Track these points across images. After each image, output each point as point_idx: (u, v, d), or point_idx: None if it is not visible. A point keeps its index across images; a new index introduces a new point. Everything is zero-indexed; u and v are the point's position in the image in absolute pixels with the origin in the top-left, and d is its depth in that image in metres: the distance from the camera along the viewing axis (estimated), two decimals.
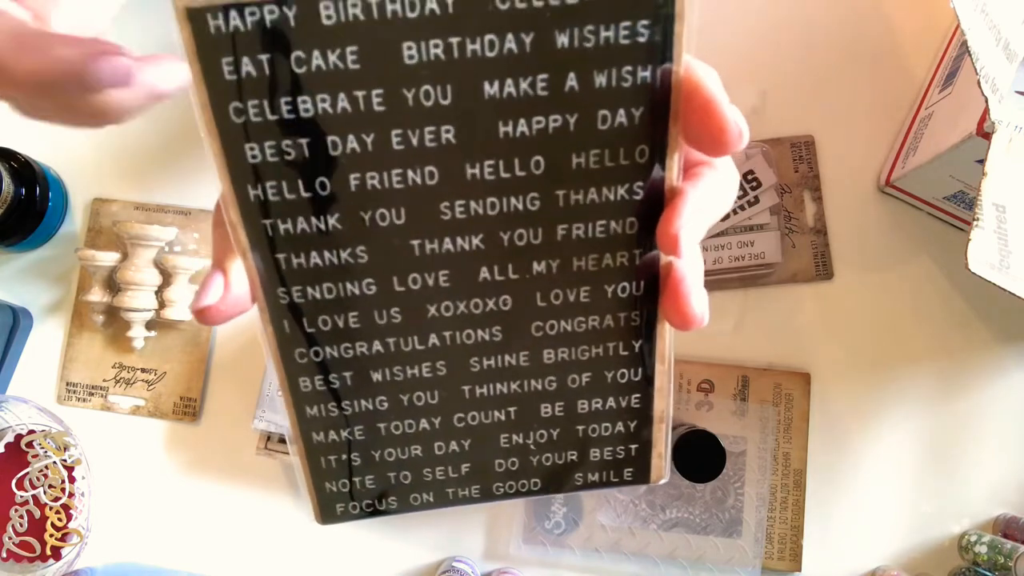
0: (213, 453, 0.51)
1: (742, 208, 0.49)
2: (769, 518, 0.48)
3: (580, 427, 0.23)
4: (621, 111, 0.18)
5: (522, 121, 0.18)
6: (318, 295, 0.20)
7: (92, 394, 0.51)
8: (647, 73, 0.18)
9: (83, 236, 0.52)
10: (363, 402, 0.22)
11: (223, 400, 0.51)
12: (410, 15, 0.17)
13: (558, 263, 0.20)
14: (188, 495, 0.50)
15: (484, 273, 0.20)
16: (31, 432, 0.48)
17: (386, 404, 0.22)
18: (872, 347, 0.50)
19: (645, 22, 0.17)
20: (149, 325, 0.51)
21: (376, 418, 0.22)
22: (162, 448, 0.51)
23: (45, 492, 0.47)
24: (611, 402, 0.22)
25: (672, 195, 0.19)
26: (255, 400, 0.48)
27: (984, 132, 0.37)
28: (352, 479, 0.23)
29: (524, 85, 0.18)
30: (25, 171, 0.49)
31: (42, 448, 0.47)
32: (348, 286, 0.20)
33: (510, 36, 0.17)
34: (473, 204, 0.19)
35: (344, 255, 0.19)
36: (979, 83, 0.36)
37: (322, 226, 0.19)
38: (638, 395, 0.22)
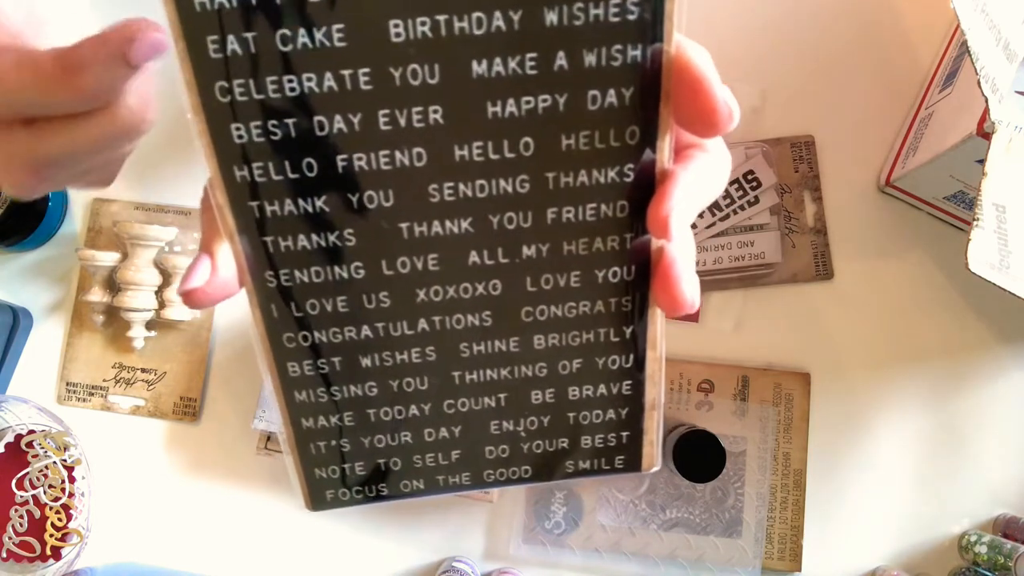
0: (213, 453, 0.51)
1: (742, 208, 0.49)
2: (769, 518, 0.48)
3: (571, 414, 0.22)
4: (611, 91, 0.18)
5: (511, 101, 0.18)
6: (306, 278, 0.20)
7: (92, 394, 0.51)
8: (637, 52, 0.17)
9: (83, 236, 0.52)
10: (353, 387, 0.21)
11: (223, 400, 0.51)
12: None
13: (548, 247, 0.20)
14: (188, 495, 0.50)
15: (474, 257, 0.20)
16: (31, 432, 0.48)
17: (376, 390, 0.22)
18: (872, 347, 0.50)
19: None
20: (149, 325, 0.51)
21: (366, 404, 0.22)
22: (162, 448, 0.51)
23: (45, 492, 0.47)
24: (602, 389, 0.22)
25: (663, 177, 0.19)
26: (255, 400, 0.48)
27: (984, 132, 0.37)
28: (342, 465, 0.23)
29: (513, 64, 0.17)
30: None
31: (42, 448, 0.47)
32: (336, 269, 0.20)
33: (498, 13, 0.17)
34: (462, 186, 0.19)
35: (332, 238, 0.19)
36: (979, 83, 0.36)
37: (309, 208, 0.19)
38: (629, 382, 0.22)
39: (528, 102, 0.18)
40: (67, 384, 0.51)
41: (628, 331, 0.21)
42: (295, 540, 0.50)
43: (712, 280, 0.50)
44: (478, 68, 0.17)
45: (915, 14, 0.51)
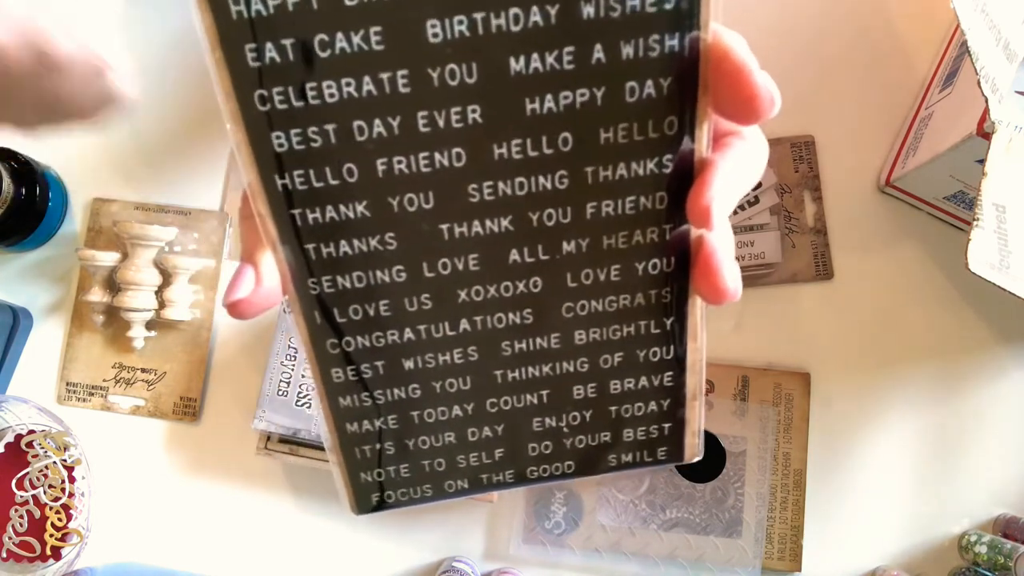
0: (213, 453, 0.51)
1: (742, 208, 0.49)
2: (769, 518, 0.48)
3: (613, 408, 0.22)
4: (649, 82, 0.18)
5: (549, 97, 0.18)
6: (348, 284, 0.20)
7: (92, 394, 0.51)
8: (675, 42, 0.17)
9: (83, 236, 0.52)
10: (396, 390, 0.21)
11: (223, 400, 0.51)
12: None
13: (588, 242, 0.20)
14: (188, 495, 0.50)
15: (514, 255, 0.20)
16: (31, 432, 0.48)
17: (419, 392, 0.22)
18: (872, 347, 0.50)
19: None
20: (149, 325, 0.51)
21: (409, 406, 0.22)
22: (162, 448, 0.51)
23: (45, 492, 0.47)
24: (643, 381, 0.22)
25: (702, 167, 0.19)
26: (255, 400, 0.47)
27: (984, 132, 0.37)
28: (387, 468, 0.23)
29: (550, 59, 0.17)
30: (25, 171, 0.49)
31: (42, 448, 0.47)
32: (378, 274, 0.20)
33: (535, 8, 0.17)
34: (501, 185, 0.19)
35: (373, 242, 0.19)
36: (979, 83, 0.36)
37: (350, 214, 0.19)
38: (670, 373, 0.22)
39: (566, 97, 0.18)
40: (67, 384, 0.51)
41: (668, 322, 0.21)
42: (295, 540, 0.50)
43: None
44: (516, 65, 0.17)
45: (915, 14, 0.51)
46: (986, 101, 0.36)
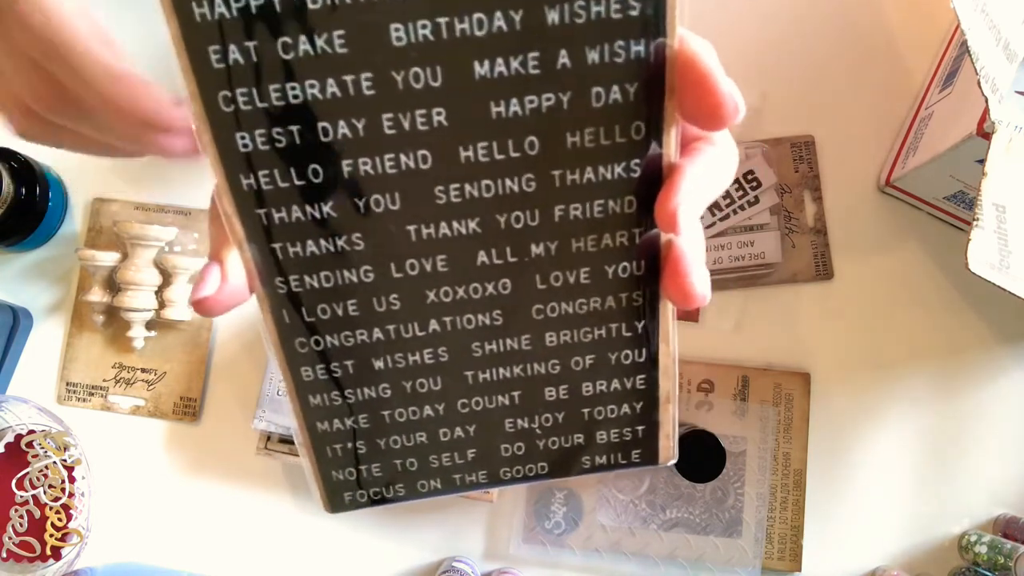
0: (213, 453, 0.51)
1: (742, 208, 0.49)
2: (769, 518, 0.48)
3: (585, 410, 0.22)
4: (615, 87, 0.18)
5: (514, 101, 0.18)
6: (316, 284, 0.20)
7: (92, 394, 0.51)
8: (640, 48, 0.17)
9: (83, 236, 0.52)
10: (366, 390, 0.22)
11: (223, 400, 0.51)
12: None
13: (557, 245, 0.20)
14: (188, 495, 0.50)
15: (482, 257, 0.20)
16: (31, 432, 0.48)
17: (389, 392, 0.22)
18: (872, 347, 0.50)
19: None
20: (149, 325, 0.51)
21: (380, 406, 0.22)
22: (162, 448, 0.51)
23: (45, 492, 0.47)
24: (616, 384, 0.22)
25: (670, 172, 0.19)
26: (255, 400, 0.47)
27: (984, 132, 0.37)
28: (359, 467, 0.23)
29: (515, 64, 0.17)
30: (25, 171, 0.49)
31: (42, 448, 0.47)
32: (346, 274, 0.20)
33: (499, 14, 0.17)
34: (468, 187, 0.19)
35: (340, 242, 0.19)
36: (979, 83, 0.36)
37: (317, 214, 0.19)
38: (643, 376, 0.22)
39: (532, 101, 0.18)
40: (67, 384, 0.51)
41: (640, 326, 0.21)
42: (295, 540, 0.50)
43: (712, 280, 0.49)
44: (480, 69, 0.17)
45: (915, 14, 0.51)
46: (986, 101, 0.36)
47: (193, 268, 0.51)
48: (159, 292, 0.50)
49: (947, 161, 0.42)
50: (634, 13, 0.17)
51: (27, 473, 0.47)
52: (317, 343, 0.21)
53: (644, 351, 0.22)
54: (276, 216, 0.19)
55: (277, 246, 0.19)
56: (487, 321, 0.21)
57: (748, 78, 0.51)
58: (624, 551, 0.48)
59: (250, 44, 0.17)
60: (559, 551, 0.48)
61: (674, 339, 0.22)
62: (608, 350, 0.22)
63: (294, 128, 0.18)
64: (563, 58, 0.17)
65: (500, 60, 0.17)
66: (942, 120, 0.44)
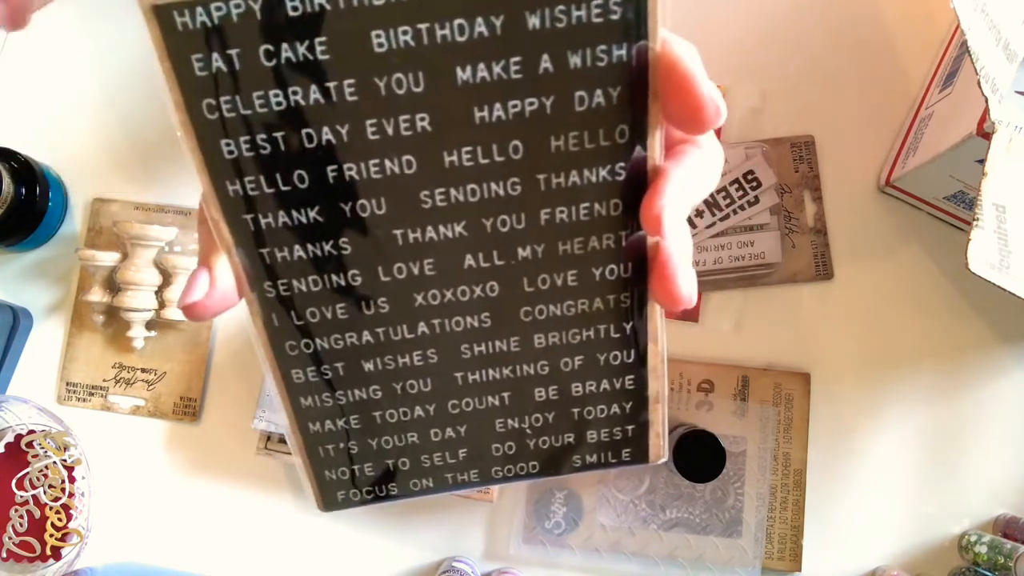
0: (213, 453, 0.51)
1: (742, 208, 0.49)
2: (769, 518, 0.48)
3: (575, 410, 0.23)
4: (598, 91, 0.18)
5: (497, 106, 0.18)
6: (304, 288, 0.20)
7: (92, 394, 0.51)
8: (622, 51, 0.18)
9: (83, 236, 0.52)
10: (357, 391, 0.22)
11: (223, 400, 0.51)
12: (376, 3, 0.17)
13: (543, 248, 0.20)
14: (188, 495, 0.50)
15: (469, 260, 0.20)
16: (31, 432, 0.48)
17: (380, 393, 0.22)
18: (872, 347, 0.50)
19: None
20: (149, 325, 0.51)
21: (371, 407, 0.22)
22: (162, 448, 0.51)
23: (45, 492, 0.47)
24: (605, 384, 0.22)
25: (655, 174, 0.19)
26: (255, 400, 0.48)
27: (984, 132, 0.37)
28: (351, 467, 0.23)
29: (497, 69, 0.17)
30: (25, 171, 0.49)
31: (42, 448, 0.47)
32: (334, 278, 0.20)
33: (480, 20, 0.17)
34: (453, 191, 0.19)
35: (328, 247, 0.19)
36: (979, 83, 0.36)
37: (303, 219, 0.19)
38: (632, 376, 0.22)
39: (515, 106, 0.18)
40: (67, 384, 0.51)
41: (628, 327, 0.21)
42: (295, 540, 0.50)
43: (712, 280, 0.50)
44: (463, 74, 0.17)
45: (915, 14, 0.51)
46: (986, 101, 0.36)
47: (193, 268, 0.51)
48: (159, 292, 0.50)
49: (947, 161, 0.42)
50: (615, 17, 0.17)
51: (27, 473, 0.47)
52: (307, 346, 0.21)
53: (632, 352, 0.22)
54: (263, 221, 0.19)
55: (265, 251, 0.19)
56: (475, 323, 0.21)
57: (748, 78, 0.51)
58: (624, 551, 0.48)
59: (232, 52, 0.17)
60: (559, 551, 0.48)
61: (662, 339, 0.22)
62: (597, 351, 0.22)
63: (278, 135, 0.18)
64: (545, 62, 0.17)
65: (482, 65, 0.17)
66: (942, 120, 0.44)
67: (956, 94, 0.44)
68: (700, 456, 0.44)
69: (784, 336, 0.50)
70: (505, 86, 0.18)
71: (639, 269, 0.21)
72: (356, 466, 0.23)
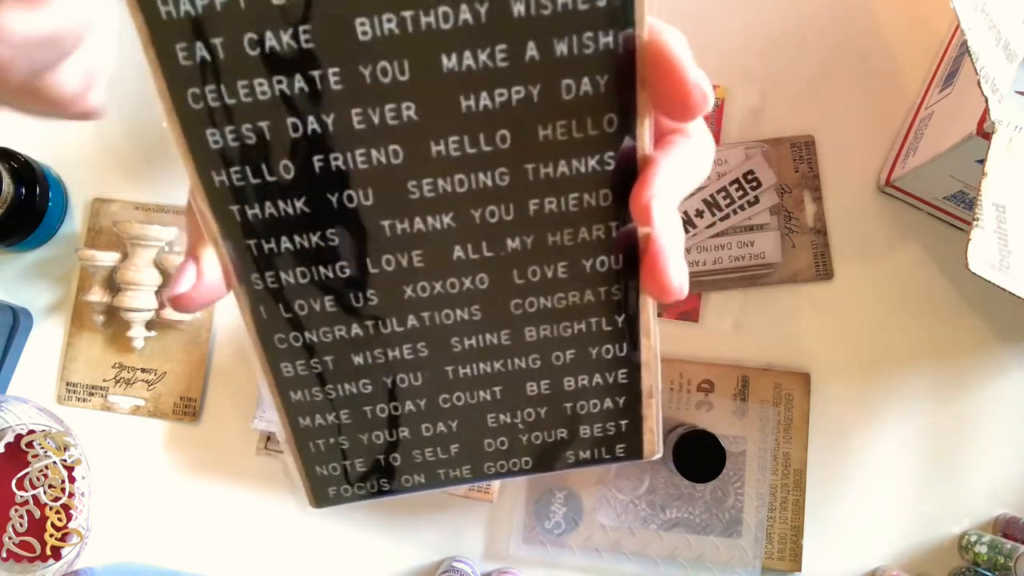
0: (213, 453, 0.51)
1: (742, 208, 0.49)
2: (769, 518, 0.48)
3: (568, 404, 0.22)
4: (585, 79, 0.18)
5: (484, 94, 0.18)
6: (292, 280, 0.20)
7: (92, 394, 0.51)
8: (609, 39, 0.17)
9: (83, 236, 0.52)
10: (347, 386, 0.22)
11: (223, 400, 0.51)
12: None
13: (532, 239, 0.20)
14: (188, 495, 0.50)
15: (458, 252, 0.20)
16: (31, 432, 0.48)
17: (370, 387, 0.22)
18: (872, 347, 0.50)
19: None
20: (149, 325, 0.51)
21: (361, 401, 0.22)
22: (162, 448, 0.51)
23: (45, 492, 0.47)
24: (597, 378, 0.22)
25: (644, 164, 0.19)
26: (255, 400, 0.48)
27: (984, 132, 0.37)
28: (342, 462, 0.23)
29: (483, 57, 0.17)
30: (25, 171, 0.49)
31: (42, 448, 0.47)
32: (322, 269, 0.20)
33: (464, 7, 0.17)
34: (441, 182, 0.19)
35: (315, 238, 0.19)
36: (979, 83, 0.36)
37: (290, 210, 0.19)
38: (624, 370, 0.22)
39: (501, 94, 0.18)
40: (67, 384, 0.51)
41: (620, 320, 0.21)
42: (295, 540, 0.50)
43: (712, 280, 0.50)
44: (448, 63, 0.17)
45: (915, 14, 0.51)
46: (986, 101, 0.36)
47: None
48: (159, 292, 0.50)
49: (947, 161, 0.42)
50: (601, 4, 0.17)
51: (27, 473, 0.47)
52: (296, 339, 0.21)
53: (625, 345, 0.22)
54: (249, 212, 0.19)
55: (251, 242, 0.19)
56: (465, 316, 0.21)
57: (748, 78, 0.51)
58: (624, 551, 0.48)
59: (217, 41, 0.17)
60: (559, 551, 0.48)
61: (655, 333, 0.22)
62: (589, 344, 0.21)
63: (263, 124, 0.18)
64: (531, 50, 0.17)
65: (468, 53, 0.17)
66: (942, 120, 0.44)
67: (956, 94, 0.44)
68: (700, 456, 0.44)
69: (784, 336, 0.50)
70: (491, 74, 0.17)
71: (630, 261, 0.20)
72: (347, 461, 0.23)
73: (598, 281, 0.20)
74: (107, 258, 0.49)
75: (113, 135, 0.52)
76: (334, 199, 0.19)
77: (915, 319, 0.50)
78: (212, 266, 0.20)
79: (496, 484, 0.47)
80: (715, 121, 0.51)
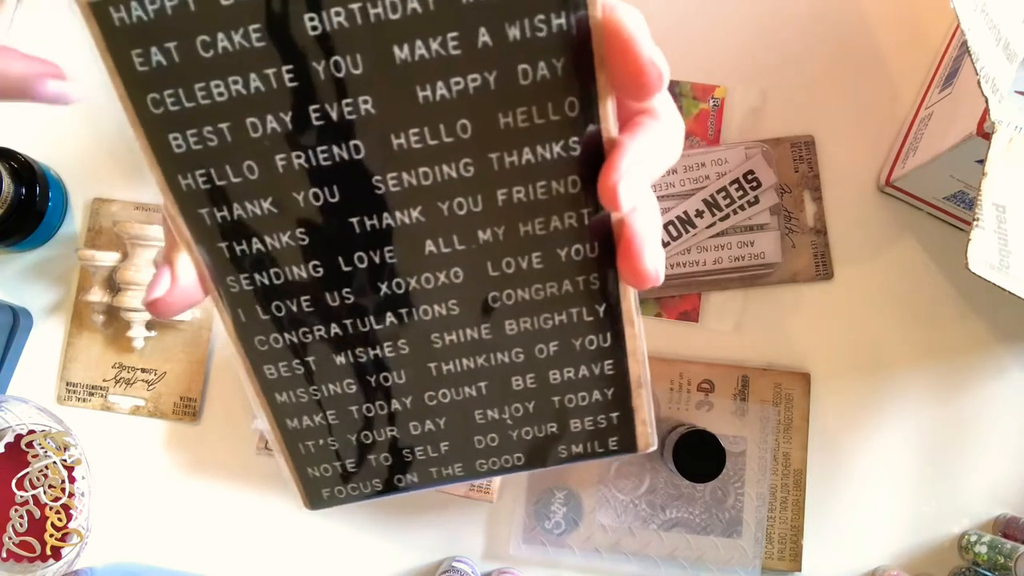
0: (213, 453, 0.51)
1: (742, 208, 0.49)
2: (769, 518, 0.48)
3: (556, 398, 0.22)
4: (541, 63, 0.17)
5: (440, 84, 0.18)
6: (267, 281, 0.20)
7: (92, 394, 0.51)
8: (562, 20, 0.17)
9: (83, 236, 0.52)
10: (331, 386, 0.21)
11: (223, 400, 0.51)
12: None
13: (504, 230, 0.19)
14: (188, 495, 0.50)
15: (430, 246, 0.20)
16: (31, 432, 0.48)
17: (355, 387, 0.21)
18: (872, 347, 0.50)
19: None
20: (149, 325, 0.51)
21: (347, 401, 0.22)
22: (162, 448, 0.51)
23: (45, 492, 0.47)
24: (583, 370, 0.22)
25: (610, 147, 0.19)
26: None
27: (984, 132, 0.37)
28: (334, 463, 0.23)
29: (435, 45, 0.17)
30: (25, 171, 0.49)
31: (42, 448, 0.47)
32: (295, 270, 0.20)
33: None
34: (406, 175, 0.19)
35: (285, 238, 0.19)
36: (979, 83, 0.36)
37: (258, 211, 0.19)
38: (611, 361, 0.21)
39: (458, 83, 0.18)
40: (67, 384, 0.51)
41: (601, 309, 0.21)
42: (295, 540, 0.50)
43: (712, 280, 0.50)
44: (400, 53, 0.17)
45: (915, 14, 0.51)
46: (986, 101, 0.36)
47: None
48: None
49: (947, 161, 0.42)
50: None
51: (27, 473, 0.47)
52: (276, 340, 0.21)
53: (609, 335, 0.21)
54: (218, 215, 0.19)
55: (223, 245, 0.19)
56: (443, 311, 0.21)
57: (748, 78, 0.51)
58: (624, 551, 0.48)
59: (170, 45, 0.17)
60: (559, 551, 0.48)
61: (639, 321, 0.21)
62: (571, 336, 0.21)
63: (223, 126, 0.18)
64: (483, 36, 0.17)
65: (419, 43, 0.17)
66: (942, 120, 0.44)
67: (956, 94, 0.44)
68: (700, 456, 0.44)
69: (784, 336, 0.50)
70: (445, 63, 0.17)
71: (606, 248, 0.20)
72: (338, 463, 0.23)
73: (575, 270, 0.20)
74: (107, 258, 0.49)
75: (113, 135, 0.52)
76: (300, 198, 0.19)
77: (915, 319, 0.50)
78: (186, 270, 0.20)
79: (496, 484, 0.47)
80: (715, 121, 0.51)
